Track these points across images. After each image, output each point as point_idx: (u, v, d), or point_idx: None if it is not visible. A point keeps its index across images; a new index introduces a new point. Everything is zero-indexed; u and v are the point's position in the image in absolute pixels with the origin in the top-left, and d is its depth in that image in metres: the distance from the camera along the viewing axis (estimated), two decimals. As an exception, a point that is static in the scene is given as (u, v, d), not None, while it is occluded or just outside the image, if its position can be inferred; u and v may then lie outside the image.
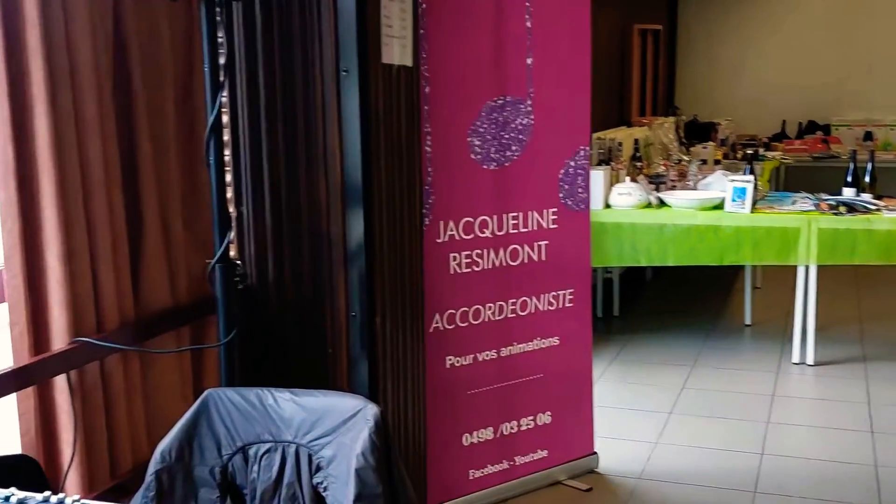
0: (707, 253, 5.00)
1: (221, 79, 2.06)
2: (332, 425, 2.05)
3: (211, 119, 2.02)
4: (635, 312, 6.40)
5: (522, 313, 3.38)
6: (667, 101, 9.23)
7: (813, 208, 5.22)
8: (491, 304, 3.25)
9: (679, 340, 5.70)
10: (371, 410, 2.01)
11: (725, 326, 6.05)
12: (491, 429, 3.36)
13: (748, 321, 6.11)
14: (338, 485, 2.02)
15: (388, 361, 2.66)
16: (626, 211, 5.23)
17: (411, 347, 2.81)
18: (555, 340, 3.50)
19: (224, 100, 2.38)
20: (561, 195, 3.49)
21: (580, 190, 3.55)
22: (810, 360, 5.27)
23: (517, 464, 3.51)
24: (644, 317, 6.29)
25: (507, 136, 3.26)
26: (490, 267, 3.22)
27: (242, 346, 2.59)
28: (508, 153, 3.29)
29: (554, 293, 3.45)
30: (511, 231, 3.27)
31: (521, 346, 3.42)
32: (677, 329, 5.94)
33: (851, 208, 5.13)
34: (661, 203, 5.35)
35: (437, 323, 3.14)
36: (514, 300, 3.35)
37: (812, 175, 8.01)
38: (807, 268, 5.20)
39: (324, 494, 2.10)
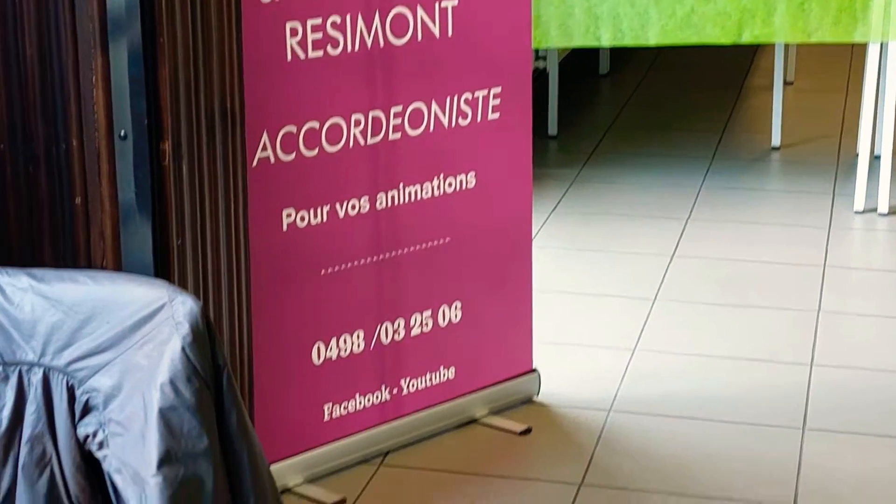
0: (714, 23, 4.79)
1: None
2: (112, 334, 2.06)
3: None
4: (584, 129, 6.11)
5: (414, 132, 3.30)
6: None
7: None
8: (359, 115, 3.18)
9: (661, 177, 5.50)
10: (184, 306, 2.02)
11: (738, 152, 5.81)
12: (361, 334, 3.34)
13: (776, 142, 5.83)
14: (126, 437, 2.02)
15: (185, 218, 2.66)
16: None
17: (223, 192, 2.78)
18: (469, 178, 3.46)
19: None
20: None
21: None
22: (883, 207, 5.06)
23: (405, 392, 3.45)
24: (599, 137, 5.99)
25: None
26: (356, 48, 3.15)
27: None
28: None
29: (468, 95, 3.38)
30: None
31: (411, 188, 3.35)
32: (656, 157, 5.75)
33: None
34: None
35: (264, 150, 3.04)
36: (398, 106, 3.26)
37: None
38: (881, 49, 5.01)
39: (98, 455, 2.07)
